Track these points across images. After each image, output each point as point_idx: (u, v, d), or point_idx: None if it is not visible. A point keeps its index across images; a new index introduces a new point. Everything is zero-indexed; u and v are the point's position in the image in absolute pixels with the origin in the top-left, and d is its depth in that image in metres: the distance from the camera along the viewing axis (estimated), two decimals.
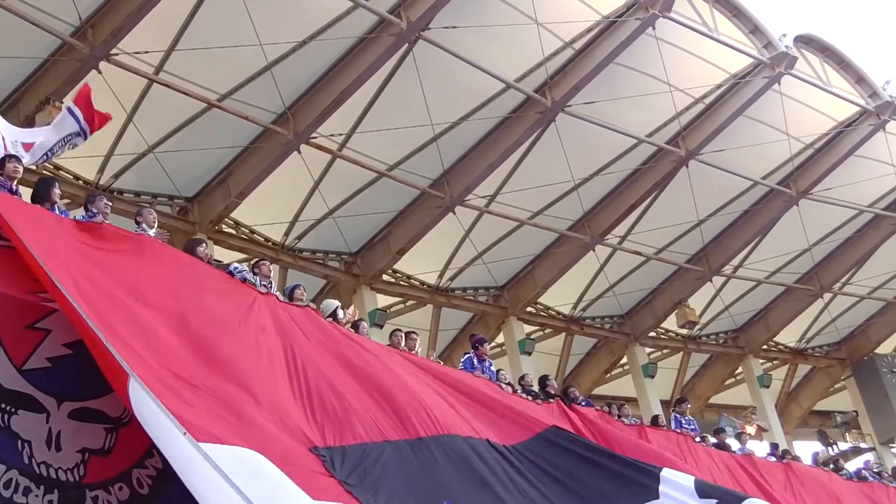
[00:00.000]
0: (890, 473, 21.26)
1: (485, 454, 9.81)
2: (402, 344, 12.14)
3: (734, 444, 17.10)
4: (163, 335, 7.69)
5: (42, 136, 10.48)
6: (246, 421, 7.31)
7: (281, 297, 10.10)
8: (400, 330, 12.67)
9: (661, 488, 10.66)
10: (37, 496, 7.06)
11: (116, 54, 16.30)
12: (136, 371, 6.66)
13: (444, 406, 10.22)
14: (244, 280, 9.70)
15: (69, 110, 10.69)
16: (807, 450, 25.99)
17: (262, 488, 6.38)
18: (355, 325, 12.01)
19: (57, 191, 9.03)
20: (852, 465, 22.37)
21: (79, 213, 9.61)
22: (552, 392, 14.25)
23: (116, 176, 18.68)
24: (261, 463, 6.73)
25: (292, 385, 8.54)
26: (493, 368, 13.71)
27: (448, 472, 9.02)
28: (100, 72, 16.25)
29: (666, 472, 10.83)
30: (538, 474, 10.18)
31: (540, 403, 12.81)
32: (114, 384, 6.88)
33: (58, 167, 17.72)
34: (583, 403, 14.39)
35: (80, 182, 18.14)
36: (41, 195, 8.86)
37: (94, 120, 10.80)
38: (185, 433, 6.34)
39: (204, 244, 10.29)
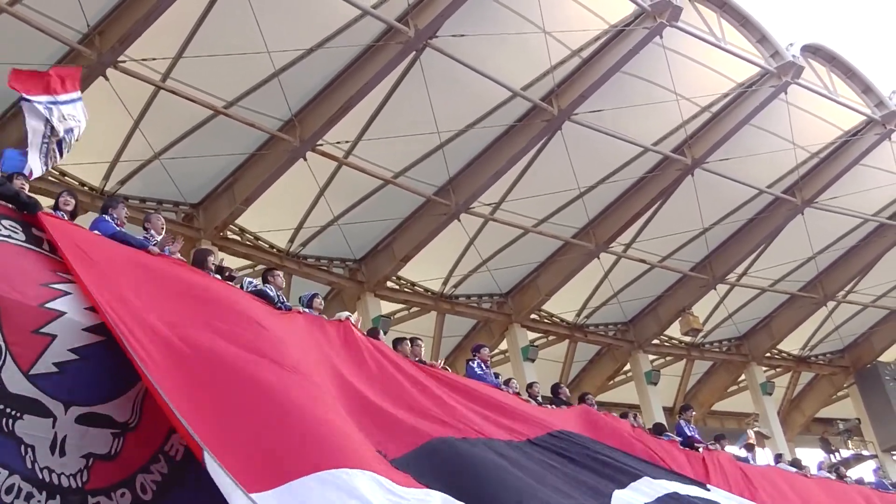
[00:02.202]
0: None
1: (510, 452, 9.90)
2: (409, 352, 12.10)
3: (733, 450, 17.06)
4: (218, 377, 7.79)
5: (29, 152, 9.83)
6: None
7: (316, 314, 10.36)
8: (405, 338, 12.61)
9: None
10: (39, 501, 7.05)
11: (124, 61, 16.33)
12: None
13: (464, 411, 10.37)
14: (259, 293, 9.76)
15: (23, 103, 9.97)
16: (809, 457, 25.93)
17: None
18: (373, 333, 12.02)
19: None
20: (854, 473, 22.32)
21: (86, 218, 9.69)
22: (564, 399, 14.19)
23: (122, 182, 18.71)
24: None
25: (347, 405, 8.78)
26: (492, 373, 13.69)
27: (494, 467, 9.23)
28: (107, 78, 16.28)
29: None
30: (562, 460, 10.26)
31: (553, 409, 12.83)
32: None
33: (63, 173, 17.76)
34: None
35: (86, 188, 18.17)
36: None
37: (49, 83, 10.00)
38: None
39: (212, 255, 10.34)
